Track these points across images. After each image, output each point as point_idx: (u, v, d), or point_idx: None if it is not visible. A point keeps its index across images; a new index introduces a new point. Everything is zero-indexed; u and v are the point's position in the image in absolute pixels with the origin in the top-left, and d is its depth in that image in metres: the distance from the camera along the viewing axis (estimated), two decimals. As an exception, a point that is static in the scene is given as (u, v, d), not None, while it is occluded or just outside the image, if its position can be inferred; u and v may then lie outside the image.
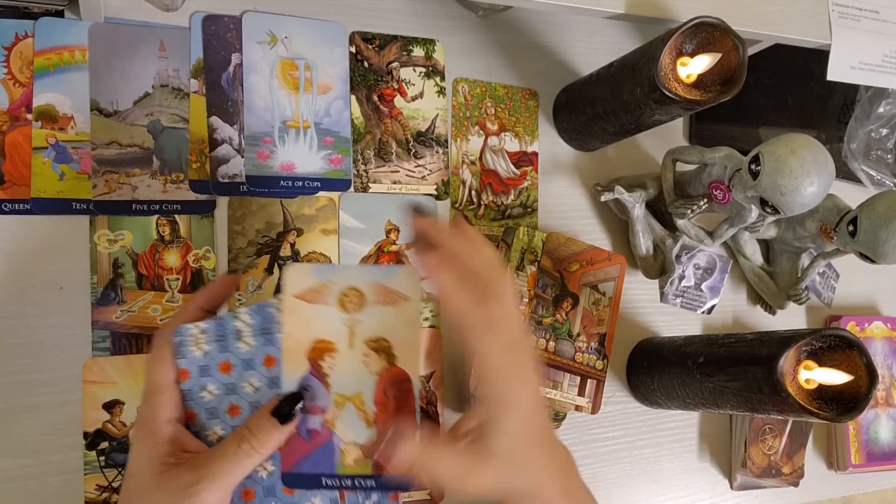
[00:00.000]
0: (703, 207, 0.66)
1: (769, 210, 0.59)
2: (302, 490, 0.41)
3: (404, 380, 0.45)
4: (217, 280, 0.45)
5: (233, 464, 0.38)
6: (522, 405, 0.40)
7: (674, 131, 0.80)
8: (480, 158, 0.70)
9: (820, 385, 0.57)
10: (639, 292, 0.76)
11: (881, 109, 0.86)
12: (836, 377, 0.56)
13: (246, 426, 0.39)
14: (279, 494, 0.41)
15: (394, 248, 0.66)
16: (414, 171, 0.67)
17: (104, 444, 0.55)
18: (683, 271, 0.76)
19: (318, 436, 0.45)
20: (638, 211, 0.70)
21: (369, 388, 0.45)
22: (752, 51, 0.70)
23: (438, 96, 0.69)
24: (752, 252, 0.78)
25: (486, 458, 0.39)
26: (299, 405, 0.39)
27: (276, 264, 0.62)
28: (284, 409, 0.39)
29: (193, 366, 0.40)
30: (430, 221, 0.44)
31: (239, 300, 0.60)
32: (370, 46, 0.67)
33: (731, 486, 0.77)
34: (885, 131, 0.86)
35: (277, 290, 0.62)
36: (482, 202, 0.70)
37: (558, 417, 0.68)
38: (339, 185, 0.64)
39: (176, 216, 0.59)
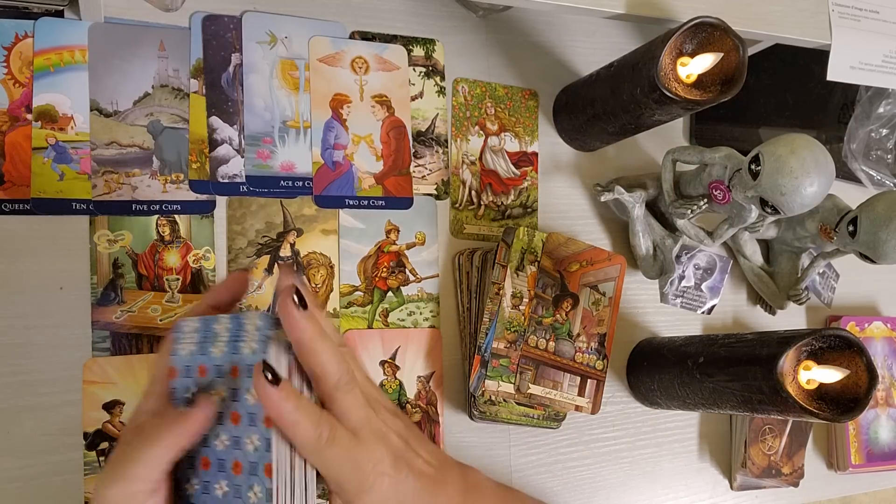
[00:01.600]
0: (703, 207, 0.66)
1: (769, 210, 0.59)
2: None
3: (401, 125, 0.66)
4: (229, 277, 0.44)
5: (138, 452, 0.38)
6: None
7: (674, 131, 0.80)
8: (480, 158, 0.70)
9: (820, 385, 0.57)
10: (639, 292, 0.76)
11: (881, 109, 0.86)
12: (833, 374, 0.56)
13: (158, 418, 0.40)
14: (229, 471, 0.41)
15: (394, 248, 0.66)
16: (414, 171, 0.67)
17: (104, 445, 0.55)
18: (683, 271, 0.76)
19: (341, 167, 0.64)
20: (638, 211, 0.70)
21: (376, 131, 0.64)
22: (752, 51, 0.70)
23: (438, 96, 0.69)
24: (752, 252, 0.78)
25: None
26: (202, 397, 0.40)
27: (276, 264, 0.62)
28: (190, 398, 0.39)
29: (180, 365, 0.40)
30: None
31: (243, 298, 0.60)
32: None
33: (731, 487, 0.77)
34: (885, 131, 0.86)
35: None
36: (482, 202, 0.70)
37: (558, 418, 0.68)
38: (339, 184, 0.65)
39: (176, 216, 0.59)
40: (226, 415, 0.40)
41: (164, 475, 0.38)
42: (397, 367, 0.65)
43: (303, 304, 0.38)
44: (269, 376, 0.36)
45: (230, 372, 0.40)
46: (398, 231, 0.66)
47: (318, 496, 0.41)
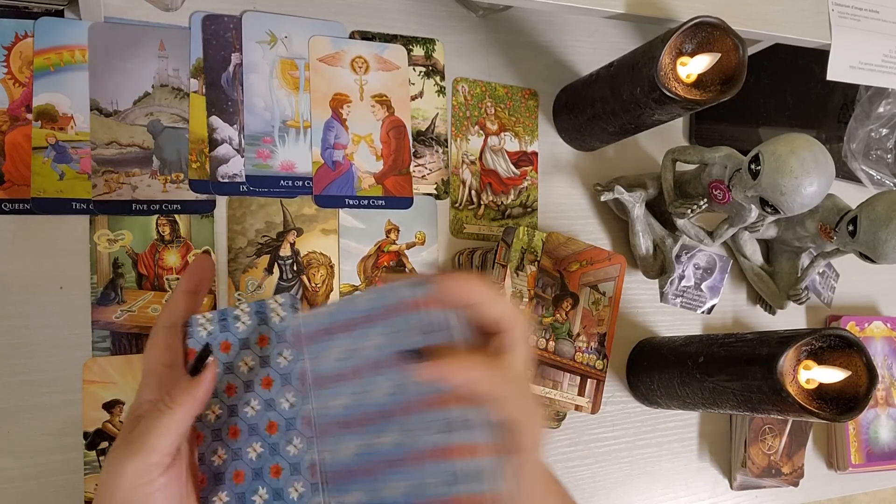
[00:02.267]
0: (703, 207, 0.66)
1: (769, 210, 0.59)
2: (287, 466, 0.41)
3: (400, 125, 0.66)
4: (192, 262, 0.45)
5: (150, 423, 0.38)
6: (533, 457, 0.39)
7: (674, 131, 0.80)
8: (480, 158, 0.70)
9: (820, 385, 0.57)
10: (639, 292, 0.76)
11: (881, 109, 0.86)
12: (834, 375, 0.56)
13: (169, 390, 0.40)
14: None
15: (394, 247, 0.66)
16: (414, 171, 0.67)
17: (104, 444, 0.55)
18: (683, 271, 0.76)
19: (340, 166, 0.63)
20: (638, 211, 0.70)
21: (376, 131, 0.64)
22: (752, 51, 0.70)
23: (438, 96, 0.69)
24: (752, 252, 0.78)
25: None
26: (208, 358, 0.40)
27: (275, 264, 0.62)
28: (195, 364, 0.39)
29: (199, 345, 0.41)
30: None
31: (239, 300, 0.60)
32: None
33: (731, 486, 0.77)
34: (885, 131, 0.86)
35: (277, 290, 0.62)
36: (482, 202, 0.70)
37: (558, 417, 0.68)
38: (339, 184, 0.65)
39: (176, 216, 0.59)
40: (255, 382, 0.41)
41: (177, 449, 0.39)
42: (397, 367, 0.65)
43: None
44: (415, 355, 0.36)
45: (258, 342, 0.41)
46: (398, 231, 0.66)
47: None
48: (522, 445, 0.37)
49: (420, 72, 0.69)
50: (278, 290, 0.62)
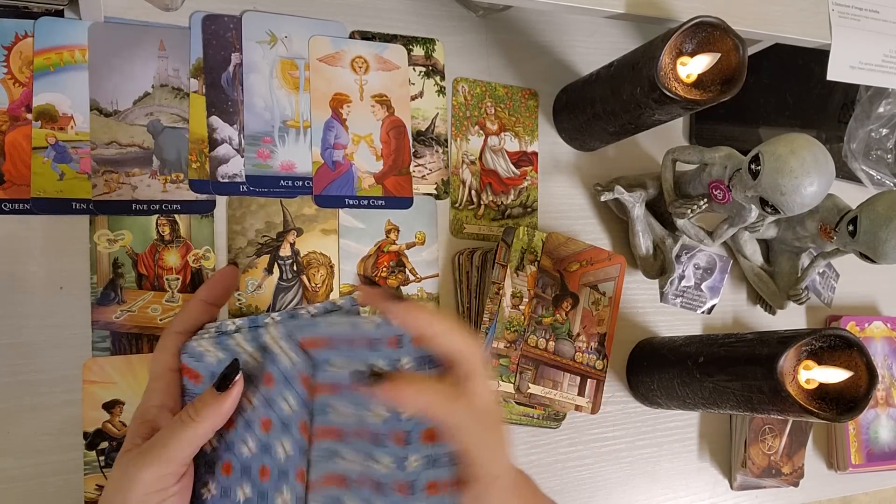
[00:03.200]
0: (703, 207, 0.66)
1: (769, 210, 0.59)
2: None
3: (400, 125, 0.66)
4: (218, 273, 0.45)
5: (172, 434, 0.38)
6: (502, 483, 0.38)
7: (674, 131, 0.80)
8: (480, 158, 0.70)
9: (820, 385, 0.57)
10: (639, 292, 0.76)
11: (881, 109, 0.86)
12: (835, 375, 0.56)
13: (192, 402, 0.39)
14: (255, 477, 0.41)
15: (393, 247, 0.66)
16: (414, 171, 0.67)
17: (104, 444, 0.55)
18: (683, 271, 0.76)
19: (340, 166, 0.63)
20: (638, 211, 0.70)
21: (376, 131, 0.64)
22: (752, 51, 0.70)
23: (438, 96, 0.69)
24: (752, 252, 0.78)
25: None
26: (236, 376, 0.39)
27: (275, 264, 0.62)
28: (222, 379, 0.39)
29: (193, 361, 0.41)
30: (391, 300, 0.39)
31: (239, 300, 0.60)
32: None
33: (731, 486, 0.77)
34: (885, 131, 0.86)
35: (277, 290, 0.62)
36: (482, 202, 0.70)
37: (558, 417, 0.68)
38: (339, 184, 0.65)
39: (176, 216, 0.59)
40: (255, 422, 0.40)
41: (189, 461, 0.39)
42: (397, 367, 0.64)
43: (399, 298, 0.37)
44: (371, 378, 0.36)
45: (264, 380, 0.40)
46: (398, 231, 0.66)
47: None
48: (480, 476, 0.37)
49: (420, 72, 0.69)
50: (278, 290, 0.62)
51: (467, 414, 0.36)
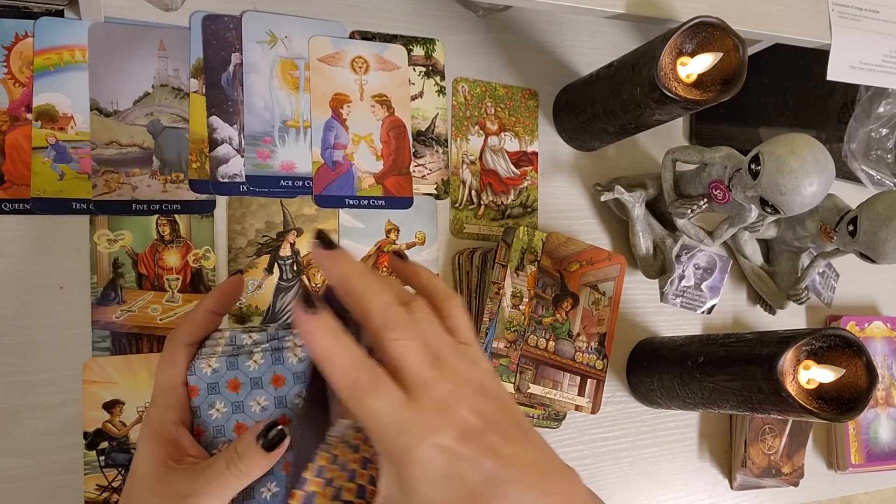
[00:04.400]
0: (703, 207, 0.66)
1: (769, 210, 0.59)
2: None
3: (400, 125, 0.66)
4: (226, 282, 0.44)
5: (221, 483, 0.38)
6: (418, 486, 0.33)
7: (674, 131, 0.80)
8: (480, 158, 0.70)
9: (820, 385, 0.57)
10: (639, 292, 0.76)
11: (881, 109, 0.86)
12: (830, 373, 0.56)
13: (234, 447, 0.38)
14: None
15: (394, 247, 0.66)
16: (414, 171, 0.67)
17: (104, 444, 0.55)
18: (683, 271, 0.76)
19: (340, 166, 0.63)
20: (638, 211, 0.70)
21: (376, 131, 0.64)
22: (752, 51, 0.70)
23: (438, 96, 0.69)
24: (752, 252, 0.78)
25: None
26: (283, 439, 0.38)
27: (275, 264, 0.62)
28: (269, 438, 0.38)
29: (202, 383, 0.40)
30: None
31: (239, 300, 0.60)
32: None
33: (731, 486, 0.77)
34: (885, 131, 0.86)
35: (277, 290, 0.62)
36: (482, 202, 0.70)
37: (558, 417, 0.68)
38: (339, 184, 0.65)
39: (176, 216, 0.59)
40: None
41: None
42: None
43: (328, 244, 0.36)
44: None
45: (272, 381, 0.40)
46: (398, 231, 0.66)
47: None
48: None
49: (420, 72, 0.69)
50: (278, 290, 0.62)
51: (370, 397, 0.33)
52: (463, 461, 0.32)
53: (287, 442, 0.38)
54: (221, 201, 0.61)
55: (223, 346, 0.41)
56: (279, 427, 0.39)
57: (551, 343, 0.65)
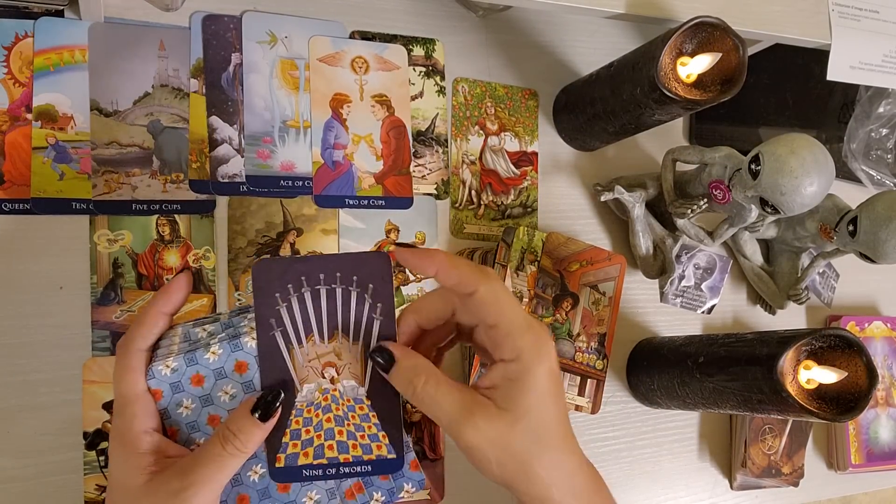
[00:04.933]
0: (703, 207, 0.66)
1: (769, 210, 0.59)
2: (297, 484, 0.41)
3: (400, 125, 0.66)
4: (173, 281, 0.44)
5: (219, 465, 0.37)
6: (544, 377, 0.38)
7: (674, 131, 0.80)
8: (480, 158, 0.70)
9: (820, 385, 0.57)
10: (639, 292, 0.76)
11: (881, 109, 0.86)
12: (834, 375, 0.56)
13: (227, 426, 0.38)
14: (274, 495, 0.41)
15: (393, 248, 0.66)
16: (414, 171, 0.67)
17: (104, 444, 0.55)
18: (683, 271, 0.76)
19: (340, 166, 0.63)
20: (638, 211, 0.70)
21: (376, 131, 0.64)
22: (752, 51, 0.70)
23: (438, 96, 0.69)
24: (752, 252, 0.78)
25: (494, 411, 0.38)
26: (278, 402, 0.39)
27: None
28: (265, 406, 0.39)
29: (164, 384, 0.40)
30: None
31: (239, 300, 0.60)
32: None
33: (731, 486, 0.77)
34: (885, 131, 0.86)
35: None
36: (482, 202, 0.70)
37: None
38: (339, 184, 0.65)
39: (176, 216, 0.59)
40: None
41: None
42: (397, 367, 0.64)
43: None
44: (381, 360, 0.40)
45: (235, 369, 0.40)
46: (398, 231, 0.66)
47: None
48: (521, 351, 0.38)
49: (420, 72, 0.69)
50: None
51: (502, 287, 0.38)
52: (558, 375, 0.39)
53: (280, 407, 0.39)
54: (221, 201, 0.61)
55: (178, 344, 0.41)
56: (272, 392, 0.39)
57: (551, 343, 0.65)
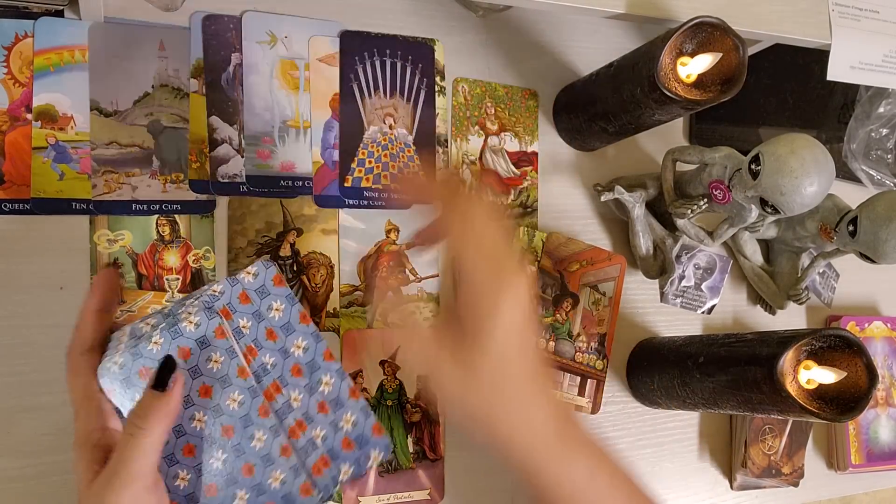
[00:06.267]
0: (703, 207, 0.66)
1: (769, 210, 0.59)
2: (260, 466, 0.41)
3: None
4: (98, 277, 0.44)
5: (131, 450, 0.38)
6: (507, 322, 0.38)
7: (674, 131, 0.80)
8: (480, 158, 0.70)
9: (820, 385, 0.57)
10: (639, 292, 0.76)
11: (881, 109, 0.86)
12: (834, 376, 0.56)
13: (132, 410, 0.39)
14: (240, 480, 0.41)
15: (394, 247, 0.66)
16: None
17: (104, 444, 0.55)
18: (683, 271, 0.76)
19: None
20: (638, 211, 0.70)
21: None
22: (752, 51, 0.70)
23: (438, 96, 0.69)
24: (752, 252, 0.78)
25: (476, 372, 0.38)
26: (174, 371, 0.39)
27: (275, 264, 0.62)
28: (159, 377, 0.39)
29: (115, 381, 0.40)
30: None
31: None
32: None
33: (731, 486, 0.77)
34: (885, 131, 0.86)
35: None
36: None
37: (558, 417, 0.68)
38: (339, 184, 0.65)
39: (176, 216, 0.59)
40: (193, 394, 0.41)
41: (156, 468, 0.38)
42: (397, 367, 0.65)
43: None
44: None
45: (179, 355, 0.40)
46: (398, 231, 0.66)
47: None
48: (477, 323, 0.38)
49: (420, 72, 0.69)
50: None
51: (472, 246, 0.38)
52: (530, 324, 0.39)
53: (180, 376, 0.39)
54: (221, 201, 0.61)
55: (125, 342, 0.41)
56: (167, 364, 0.39)
57: (551, 343, 0.65)
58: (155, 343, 0.40)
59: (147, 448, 0.37)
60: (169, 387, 0.38)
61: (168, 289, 0.58)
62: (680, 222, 0.70)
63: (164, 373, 0.39)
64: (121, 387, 0.40)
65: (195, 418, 0.40)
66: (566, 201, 0.74)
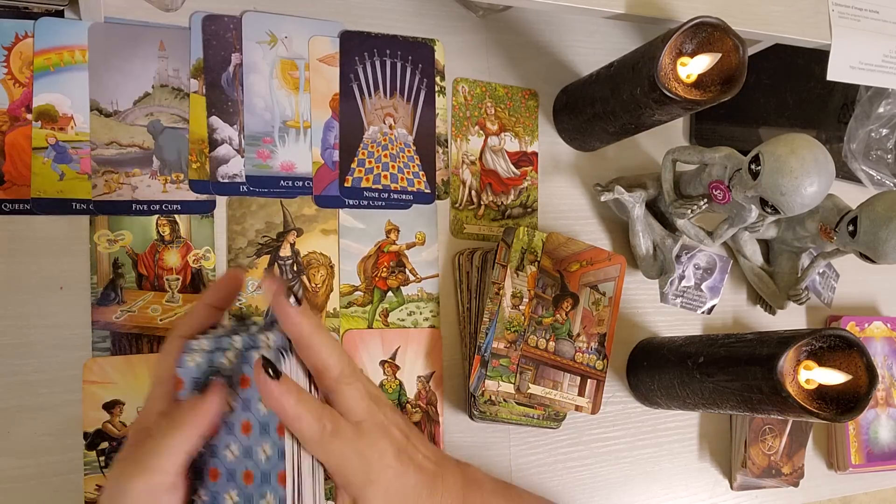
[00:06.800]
0: (703, 207, 0.66)
1: (769, 210, 0.59)
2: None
3: None
4: (224, 276, 0.45)
5: (156, 443, 0.38)
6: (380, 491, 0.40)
7: (674, 131, 0.80)
8: (480, 158, 0.70)
9: (820, 385, 0.57)
10: (639, 292, 0.76)
11: (881, 109, 0.86)
12: (834, 377, 0.56)
13: (173, 407, 0.40)
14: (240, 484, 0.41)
15: (394, 248, 0.66)
16: (414, 171, 0.67)
17: (104, 445, 0.55)
18: (683, 271, 0.76)
19: None
20: (638, 211, 0.70)
21: None
22: (752, 51, 0.70)
23: (438, 96, 0.69)
24: (752, 252, 0.78)
25: None
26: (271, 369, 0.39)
27: (275, 264, 0.62)
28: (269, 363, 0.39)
29: (187, 377, 0.40)
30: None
31: (239, 300, 0.60)
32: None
33: (731, 486, 0.77)
34: (885, 131, 0.86)
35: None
36: (482, 202, 0.70)
37: (558, 418, 0.68)
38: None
39: (176, 216, 0.59)
40: (236, 425, 0.40)
41: (182, 471, 0.39)
42: (397, 367, 0.65)
43: (297, 300, 0.39)
44: (270, 372, 0.37)
45: (240, 382, 0.40)
46: (398, 231, 0.66)
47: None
48: (351, 483, 0.39)
49: (420, 72, 0.69)
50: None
51: (335, 439, 0.39)
52: (402, 476, 0.41)
53: (217, 385, 0.39)
54: (221, 201, 0.61)
55: (206, 344, 0.41)
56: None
57: (551, 343, 0.65)
58: (227, 360, 0.40)
59: (173, 446, 0.38)
60: (207, 394, 0.39)
61: (168, 289, 0.58)
62: (680, 222, 0.70)
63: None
64: (190, 384, 0.40)
65: (230, 449, 0.40)
66: (566, 201, 0.74)
